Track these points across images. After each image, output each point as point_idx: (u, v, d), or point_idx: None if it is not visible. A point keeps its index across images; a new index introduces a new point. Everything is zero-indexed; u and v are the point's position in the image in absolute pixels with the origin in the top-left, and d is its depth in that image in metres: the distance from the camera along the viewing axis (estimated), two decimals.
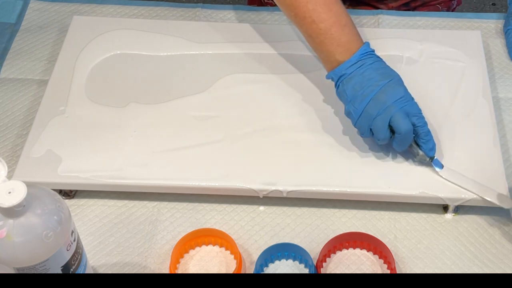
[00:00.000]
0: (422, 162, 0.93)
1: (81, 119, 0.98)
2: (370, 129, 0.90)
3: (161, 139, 0.96)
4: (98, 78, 1.04)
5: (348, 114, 0.92)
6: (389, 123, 0.89)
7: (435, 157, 0.92)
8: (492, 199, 0.89)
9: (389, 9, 1.19)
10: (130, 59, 1.06)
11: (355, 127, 0.92)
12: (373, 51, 0.93)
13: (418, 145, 0.91)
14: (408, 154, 0.94)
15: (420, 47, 1.07)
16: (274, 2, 1.24)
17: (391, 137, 0.90)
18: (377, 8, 1.19)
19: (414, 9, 1.22)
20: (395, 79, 0.90)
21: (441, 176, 0.91)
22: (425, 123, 0.90)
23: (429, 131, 0.91)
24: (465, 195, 0.90)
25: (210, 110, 0.99)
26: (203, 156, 0.94)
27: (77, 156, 0.94)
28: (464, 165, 0.93)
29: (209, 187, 0.92)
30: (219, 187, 0.92)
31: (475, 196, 0.90)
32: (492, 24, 1.14)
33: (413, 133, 0.90)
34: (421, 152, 0.92)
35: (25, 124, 1.02)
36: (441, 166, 0.92)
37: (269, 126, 0.97)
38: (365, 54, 0.91)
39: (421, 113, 0.90)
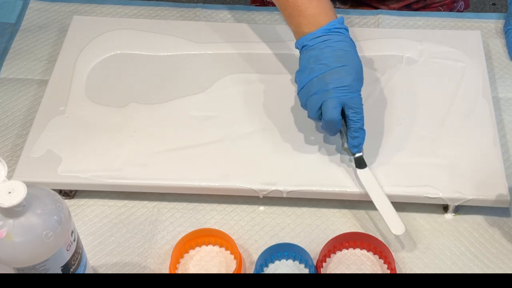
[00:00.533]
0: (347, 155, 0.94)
1: (81, 119, 0.98)
2: (306, 104, 0.91)
3: (161, 139, 0.96)
4: (98, 78, 1.04)
5: (295, 81, 0.93)
6: (321, 106, 0.89)
7: (362, 156, 0.92)
8: (386, 219, 0.87)
9: (390, 10, 1.19)
10: (130, 59, 1.06)
11: (297, 95, 0.93)
12: (345, 28, 0.92)
13: (346, 137, 0.92)
14: (411, 150, 0.94)
15: (420, 47, 1.07)
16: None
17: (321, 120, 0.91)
18: (378, 9, 1.19)
19: (415, 11, 1.21)
20: (349, 66, 0.89)
21: (357, 176, 0.91)
22: (360, 120, 0.90)
23: (361, 129, 0.90)
24: (465, 195, 0.90)
25: (210, 110, 0.99)
26: (203, 156, 0.94)
27: (77, 156, 0.94)
28: (464, 165, 0.93)
29: (209, 187, 0.92)
30: (219, 187, 0.92)
31: (475, 196, 0.90)
32: (492, 24, 1.14)
33: (346, 126, 0.91)
34: (346, 145, 0.93)
35: (25, 124, 1.02)
36: (364, 166, 0.91)
37: (269, 126, 0.97)
38: (333, 29, 0.91)
39: (361, 109, 0.89)
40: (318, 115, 0.90)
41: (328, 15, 0.92)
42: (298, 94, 0.92)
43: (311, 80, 0.89)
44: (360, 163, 0.91)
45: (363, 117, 0.90)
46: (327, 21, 0.91)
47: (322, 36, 0.91)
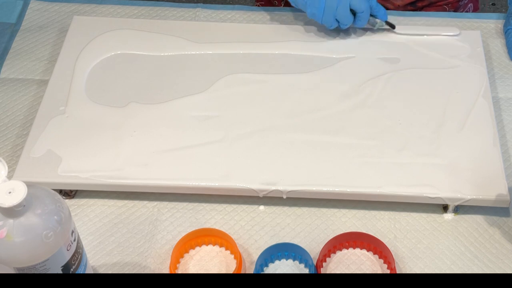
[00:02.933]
0: (380, 30, 1.08)
1: (81, 119, 0.98)
2: (336, 20, 1.04)
3: (161, 139, 0.96)
4: (98, 78, 1.04)
5: (312, 16, 1.04)
6: (349, 7, 1.02)
7: (388, 20, 1.08)
8: (438, 31, 1.08)
9: (395, 8, 1.19)
10: (130, 59, 1.06)
11: (321, 23, 1.05)
12: None
13: (373, 16, 1.06)
14: (414, 147, 0.94)
15: (420, 47, 1.07)
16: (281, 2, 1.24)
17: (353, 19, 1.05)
18: (384, 7, 1.19)
19: (420, 9, 1.22)
20: None
21: (397, 33, 1.08)
22: None
23: (376, 1, 1.05)
24: (465, 195, 0.90)
25: (210, 110, 0.99)
26: (203, 156, 0.94)
27: (77, 156, 0.94)
28: (464, 165, 0.93)
29: (209, 187, 0.92)
30: (219, 187, 0.92)
31: (475, 196, 0.90)
32: (492, 24, 1.14)
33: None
34: (378, 20, 1.07)
35: (25, 124, 1.02)
36: (395, 26, 1.08)
37: (269, 126, 0.97)
38: None
39: None
40: (352, 17, 1.04)
41: None
42: (322, 21, 1.04)
43: (325, 1, 1.02)
44: (391, 25, 1.08)
45: None
46: None
47: None
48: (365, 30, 1.10)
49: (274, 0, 1.27)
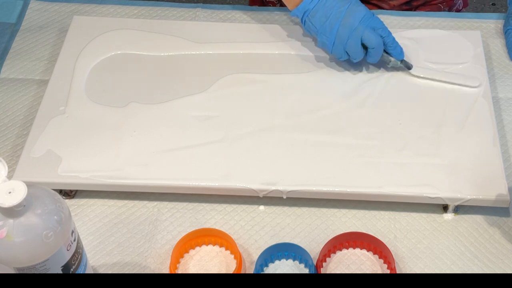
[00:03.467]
0: (395, 68, 1.03)
1: (81, 119, 0.98)
2: (346, 52, 1.00)
3: (161, 139, 0.96)
4: (98, 78, 1.04)
5: (322, 45, 1.02)
6: (361, 41, 0.98)
7: (404, 59, 1.02)
8: (459, 82, 1.01)
9: (390, 7, 1.19)
10: (130, 59, 1.06)
11: (331, 53, 1.01)
12: None
13: (387, 53, 1.01)
14: (411, 148, 0.94)
15: (420, 47, 1.07)
16: (275, 2, 1.24)
17: (365, 53, 1.00)
18: (379, 6, 1.20)
19: (415, 8, 1.21)
20: (353, 1, 0.99)
21: (413, 74, 1.02)
22: (390, 33, 1.00)
23: (394, 39, 1.00)
24: (465, 195, 0.90)
25: (210, 110, 0.99)
26: (203, 156, 0.94)
27: (77, 156, 0.94)
28: (464, 165, 0.93)
29: (209, 187, 0.92)
30: (219, 187, 0.92)
31: (475, 196, 0.90)
32: (492, 24, 1.14)
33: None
34: (392, 59, 1.01)
35: (25, 124, 1.02)
36: (411, 66, 1.02)
37: (269, 126, 0.97)
38: None
39: (384, 25, 1.00)
40: (362, 52, 0.99)
41: None
42: (332, 51, 1.00)
43: (337, 31, 0.98)
44: (408, 65, 1.02)
45: (389, 30, 1.00)
46: None
47: None
48: None
49: (269, 3, 1.27)
